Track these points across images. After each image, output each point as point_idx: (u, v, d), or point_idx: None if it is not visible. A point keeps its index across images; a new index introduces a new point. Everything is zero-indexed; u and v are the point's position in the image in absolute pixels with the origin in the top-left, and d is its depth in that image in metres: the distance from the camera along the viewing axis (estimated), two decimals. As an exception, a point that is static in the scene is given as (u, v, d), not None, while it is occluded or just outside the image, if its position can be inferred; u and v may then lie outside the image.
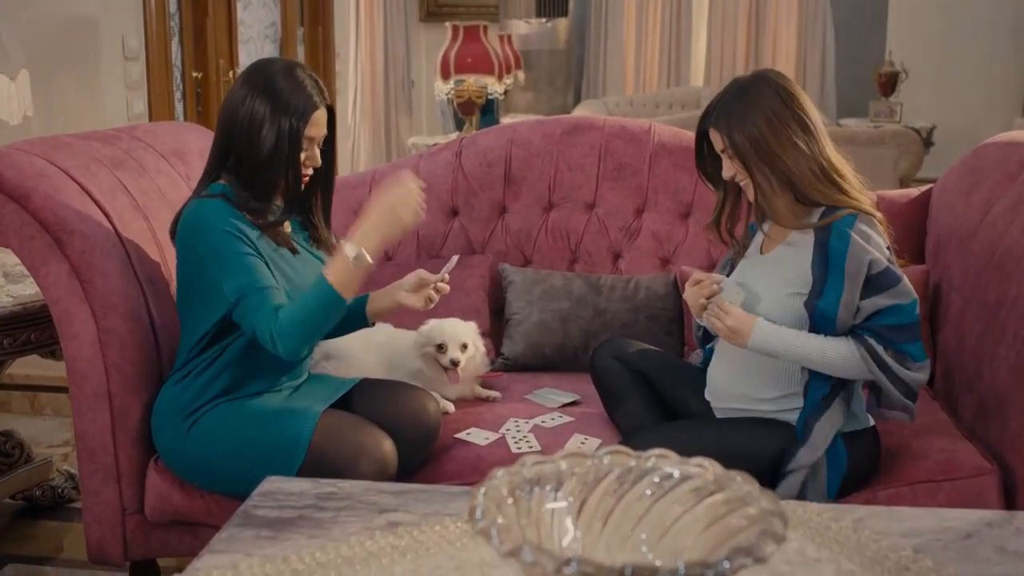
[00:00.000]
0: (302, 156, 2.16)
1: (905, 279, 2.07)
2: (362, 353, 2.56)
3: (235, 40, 5.80)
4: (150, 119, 4.82)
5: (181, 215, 2.18)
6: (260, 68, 2.18)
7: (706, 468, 1.15)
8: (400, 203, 2.10)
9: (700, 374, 2.36)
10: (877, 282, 2.05)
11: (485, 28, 6.67)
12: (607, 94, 9.07)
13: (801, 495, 2.05)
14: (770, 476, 2.09)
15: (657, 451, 1.19)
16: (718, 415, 2.28)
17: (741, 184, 2.16)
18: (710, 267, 2.91)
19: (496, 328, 2.93)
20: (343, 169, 7.35)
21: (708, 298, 2.13)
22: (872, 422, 2.17)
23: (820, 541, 1.49)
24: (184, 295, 2.21)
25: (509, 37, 7.28)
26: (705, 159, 2.26)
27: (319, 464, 2.06)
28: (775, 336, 2.07)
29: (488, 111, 7.30)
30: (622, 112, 8.03)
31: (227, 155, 2.18)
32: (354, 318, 2.30)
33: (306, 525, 1.56)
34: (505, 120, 7.41)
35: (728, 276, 2.25)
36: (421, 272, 2.25)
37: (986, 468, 2.18)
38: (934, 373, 2.67)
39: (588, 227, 3.04)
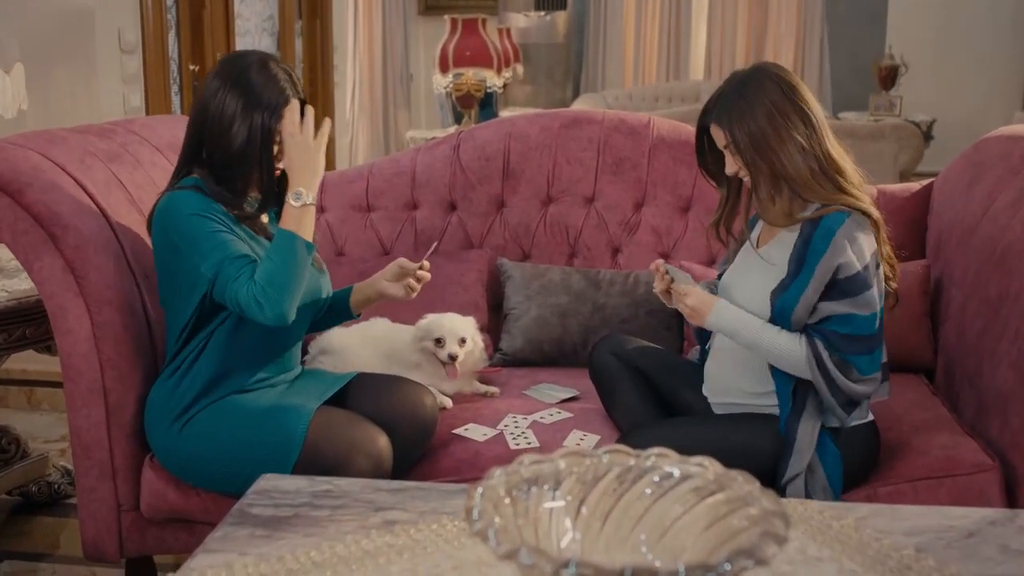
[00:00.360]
0: (275, 150, 2.15)
1: (874, 290, 2.04)
2: (359, 348, 2.55)
3: (232, 33, 5.77)
4: (147, 113, 4.80)
5: (154, 209, 2.17)
6: (233, 62, 2.16)
7: (707, 467, 1.14)
8: (308, 138, 2.10)
9: (698, 370, 2.35)
10: (840, 287, 2.03)
11: (484, 21, 6.64)
12: (606, 88, 9.05)
13: (807, 496, 2.03)
14: (769, 472, 2.08)
15: (657, 450, 1.17)
16: (716, 411, 2.27)
17: (744, 179, 2.15)
18: (709, 261, 2.90)
19: (494, 323, 2.91)
20: (341, 163, 7.33)
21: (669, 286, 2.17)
22: (871, 417, 2.16)
23: (821, 540, 1.48)
24: (165, 288, 2.20)
25: (508, 30, 7.25)
26: (706, 156, 2.24)
27: (314, 461, 2.05)
28: (730, 318, 2.10)
29: (487, 105, 7.28)
30: (621, 106, 8.01)
31: (199, 149, 2.17)
32: (339, 309, 2.36)
33: (301, 524, 1.54)
34: (504, 114, 7.39)
35: (727, 269, 2.26)
36: (401, 260, 2.28)
37: (987, 464, 2.17)
38: (935, 369, 2.66)
39: (587, 221, 3.02)
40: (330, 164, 7.12)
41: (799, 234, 2.09)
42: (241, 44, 6.01)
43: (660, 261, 2.20)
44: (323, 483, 1.70)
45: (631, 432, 2.19)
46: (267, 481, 1.71)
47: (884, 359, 2.17)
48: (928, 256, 2.78)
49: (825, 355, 2.03)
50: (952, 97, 8.45)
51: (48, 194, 2.25)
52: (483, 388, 2.59)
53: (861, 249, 2.04)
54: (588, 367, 2.48)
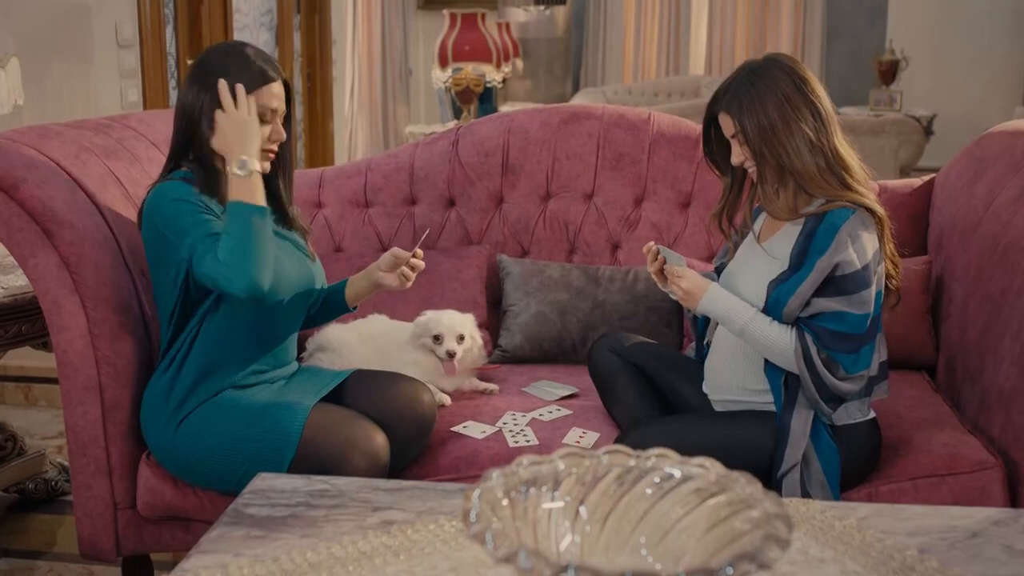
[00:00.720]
0: (267, 131, 2.15)
1: (871, 289, 2.03)
2: (357, 345, 2.54)
3: (230, 27, 5.75)
4: (144, 107, 4.78)
5: (143, 203, 2.17)
6: (207, 57, 2.18)
7: (708, 468, 1.12)
8: (242, 112, 2.09)
9: (698, 367, 2.34)
10: (837, 284, 2.01)
11: (483, 16, 6.62)
12: (606, 82, 9.02)
13: (804, 492, 2.02)
14: (770, 470, 2.07)
15: (657, 451, 1.16)
16: (716, 408, 2.25)
17: (749, 170, 2.13)
18: (709, 257, 2.88)
19: (493, 320, 2.90)
20: (340, 158, 7.30)
21: (663, 269, 2.17)
22: (872, 414, 2.14)
23: (824, 540, 1.46)
24: (156, 281, 2.20)
25: (507, 25, 7.23)
26: (713, 145, 2.23)
27: (310, 459, 2.04)
28: (722, 303, 2.10)
29: (486, 99, 7.26)
30: (621, 101, 7.98)
31: (186, 147, 2.18)
32: (334, 302, 2.36)
33: (298, 524, 1.53)
34: (503, 109, 7.37)
35: (729, 262, 2.26)
36: (395, 250, 2.29)
37: (990, 462, 2.16)
38: (936, 366, 2.64)
39: (586, 217, 3.00)
40: (329, 159, 7.12)
41: (802, 228, 2.08)
42: (239, 38, 5.97)
43: (652, 243, 2.20)
44: (319, 482, 1.69)
45: (630, 429, 2.18)
46: (263, 480, 1.69)
47: (884, 358, 2.15)
48: (930, 252, 2.77)
49: (813, 350, 2.02)
50: (952, 92, 8.43)
51: (43, 190, 2.23)
52: (482, 385, 2.58)
53: (863, 247, 2.02)
54: (587, 364, 2.47)
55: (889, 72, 7.69)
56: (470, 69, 6.40)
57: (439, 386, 2.47)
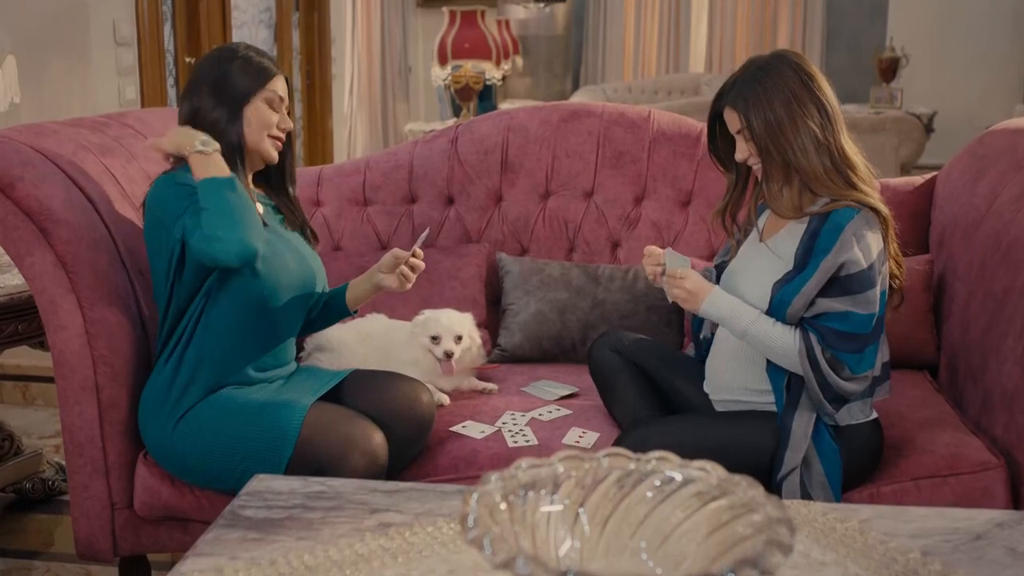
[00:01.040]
0: (274, 119, 2.19)
1: (876, 289, 2.01)
2: (356, 344, 2.52)
3: (229, 25, 5.73)
4: (142, 105, 4.76)
5: (147, 195, 2.18)
6: (203, 64, 2.22)
7: (709, 471, 1.11)
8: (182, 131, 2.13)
9: (699, 366, 2.32)
10: (842, 284, 1.99)
11: (483, 13, 6.61)
12: (606, 80, 9.01)
13: (804, 494, 2.01)
14: (770, 470, 2.05)
15: (658, 453, 1.14)
16: (717, 408, 2.24)
17: (754, 167, 2.11)
18: (710, 256, 2.87)
19: (493, 319, 2.88)
20: (339, 156, 7.29)
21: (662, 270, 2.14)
22: (874, 415, 2.13)
23: (826, 543, 1.45)
24: (154, 271, 2.19)
25: (507, 22, 7.22)
26: (718, 141, 2.21)
27: (308, 458, 2.02)
28: (724, 306, 2.07)
29: (485, 97, 7.25)
30: (621, 98, 7.97)
31: None
32: (335, 307, 2.35)
33: (294, 526, 1.51)
34: (503, 106, 7.35)
35: (730, 261, 2.24)
36: (396, 250, 2.27)
37: (992, 463, 2.14)
38: (939, 365, 2.63)
39: (586, 216, 2.99)
40: (328, 157, 7.11)
41: (807, 227, 2.06)
42: (237, 36, 5.97)
43: (653, 247, 2.17)
44: (317, 484, 1.67)
45: (631, 429, 2.16)
46: (259, 482, 1.68)
47: (886, 358, 2.14)
48: (932, 251, 2.75)
49: (818, 350, 2.00)
50: (953, 89, 8.42)
51: (39, 188, 2.22)
52: (481, 385, 2.56)
53: (868, 247, 2.00)
54: (587, 363, 2.45)
55: (889, 69, 7.67)
56: (469, 66, 6.38)
57: (438, 386, 2.46)
